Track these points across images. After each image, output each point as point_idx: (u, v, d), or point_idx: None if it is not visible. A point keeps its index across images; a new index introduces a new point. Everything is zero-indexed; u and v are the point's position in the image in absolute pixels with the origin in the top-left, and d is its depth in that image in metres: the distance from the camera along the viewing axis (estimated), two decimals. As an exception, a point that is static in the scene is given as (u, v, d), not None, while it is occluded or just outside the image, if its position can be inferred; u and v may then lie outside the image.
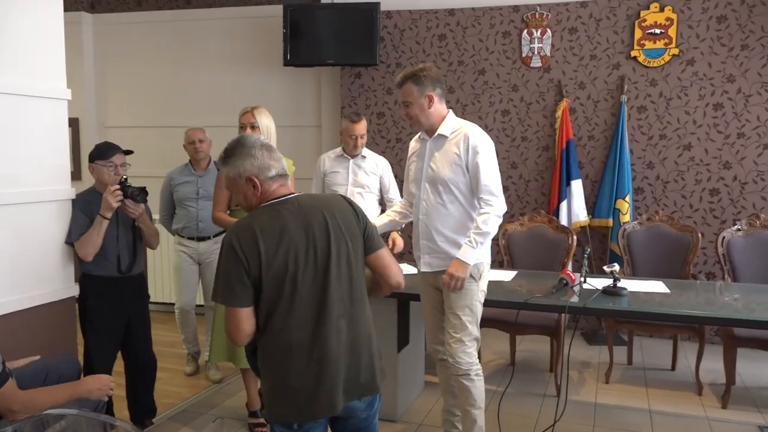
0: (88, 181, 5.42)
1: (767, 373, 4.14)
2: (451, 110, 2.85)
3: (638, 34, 4.78)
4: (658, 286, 3.40)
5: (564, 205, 4.85)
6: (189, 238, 4.02)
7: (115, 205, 2.89)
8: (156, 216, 3.84)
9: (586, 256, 3.33)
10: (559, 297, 3.11)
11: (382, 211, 4.09)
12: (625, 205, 4.73)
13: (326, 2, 5.29)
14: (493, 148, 2.79)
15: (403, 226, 3.78)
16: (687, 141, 4.76)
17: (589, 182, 4.98)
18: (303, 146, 5.52)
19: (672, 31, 4.71)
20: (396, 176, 4.16)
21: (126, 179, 2.98)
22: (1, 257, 2.64)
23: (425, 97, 2.74)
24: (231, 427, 3.36)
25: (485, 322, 2.94)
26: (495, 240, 3.44)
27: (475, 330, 2.78)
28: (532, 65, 5.03)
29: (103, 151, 3.04)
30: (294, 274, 1.80)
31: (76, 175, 5.65)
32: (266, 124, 3.22)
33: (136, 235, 3.13)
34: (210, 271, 4.03)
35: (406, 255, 4.56)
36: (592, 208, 4.93)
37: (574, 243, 4.12)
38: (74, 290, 3.01)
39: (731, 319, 3.04)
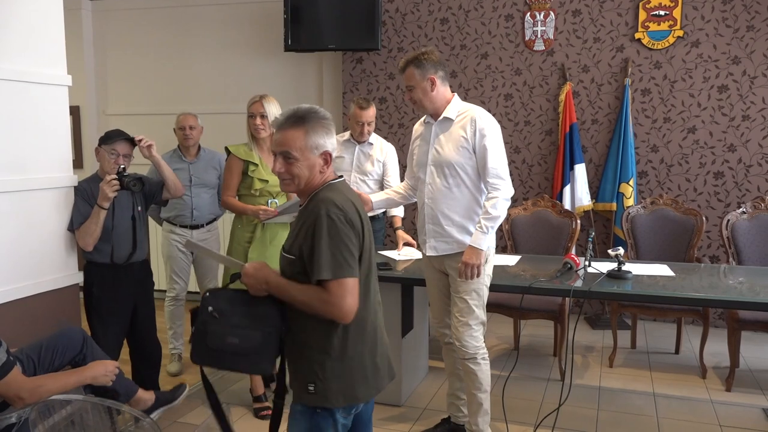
0: (89, 168, 5.44)
1: (771, 355, 4.15)
2: (456, 94, 2.83)
3: (642, 15, 4.74)
4: (662, 270, 3.39)
5: (567, 189, 4.83)
6: (182, 227, 3.91)
7: (112, 195, 2.89)
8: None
9: (590, 240, 3.31)
10: (563, 281, 3.10)
11: None
12: (628, 189, 4.71)
13: (327, -14, 5.24)
14: (500, 131, 2.77)
15: (400, 207, 3.74)
16: (691, 124, 4.73)
17: (592, 166, 4.96)
18: (305, 132, 5.50)
19: (677, 13, 4.66)
20: (399, 162, 4.14)
21: (124, 169, 2.97)
22: (4, 245, 2.64)
23: (427, 80, 2.71)
24: (236, 413, 3.37)
25: (489, 307, 2.93)
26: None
27: (481, 314, 2.78)
28: (535, 48, 4.99)
29: (108, 136, 3.06)
30: (369, 251, 1.84)
31: (77, 163, 5.66)
32: (274, 113, 3.20)
33: (138, 223, 3.13)
34: (204, 259, 3.99)
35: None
36: (595, 192, 4.91)
37: (578, 227, 4.11)
38: (78, 278, 3.01)
39: (736, 302, 3.05)
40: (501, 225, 4.21)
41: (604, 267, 3.25)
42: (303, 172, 1.80)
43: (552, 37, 4.95)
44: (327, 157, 1.82)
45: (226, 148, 3.28)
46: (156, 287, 3.47)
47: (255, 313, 1.78)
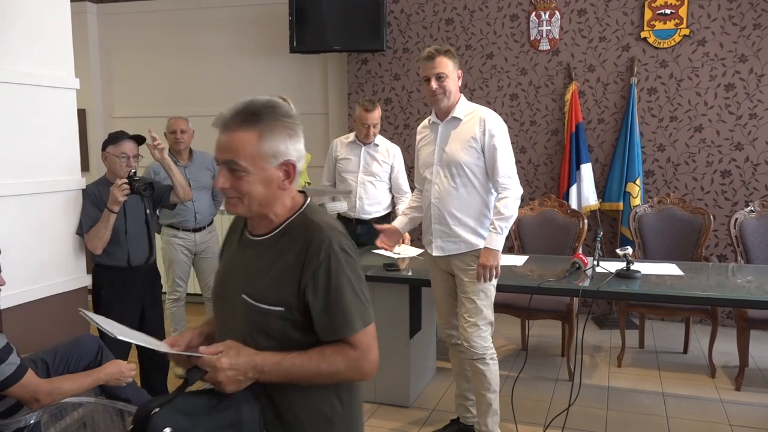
0: (95, 172, 5.45)
1: (780, 355, 4.13)
2: (461, 94, 2.83)
3: (648, 14, 4.72)
4: (671, 269, 3.38)
5: (574, 189, 4.82)
6: (184, 230, 3.91)
7: (122, 199, 2.90)
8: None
9: (598, 239, 3.31)
10: (572, 281, 3.09)
11: (392, 199, 4.07)
12: (635, 189, 4.70)
13: (332, -12, 5.25)
14: (507, 132, 2.77)
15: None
16: (698, 123, 4.71)
17: (599, 166, 4.95)
18: (311, 133, 5.49)
19: (683, 11, 4.65)
20: (404, 163, 4.14)
21: (135, 173, 2.98)
22: (12, 248, 2.64)
23: (457, 73, 2.74)
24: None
25: (496, 308, 2.92)
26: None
27: (489, 314, 2.78)
28: (540, 48, 4.98)
29: (114, 138, 3.06)
30: None
31: (83, 166, 5.65)
32: None
33: (150, 226, 3.14)
34: (207, 261, 4.00)
35: (414, 241, 4.53)
36: (602, 191, 4.89)
37: (585, 227, 4.10)
38: (86, 280, 3.01)
39: (745, 301, 3.03)
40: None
41: (613, 267, 3.24)
42: (255, 190, 1.35)
43: (557, 36, 4.94)
44: (289, 169, 1.38)
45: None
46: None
47: (230, 421, 1.32)
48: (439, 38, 5.18)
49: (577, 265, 3.20)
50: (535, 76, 5.02)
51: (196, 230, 3.93)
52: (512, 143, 2.84)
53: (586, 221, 4.13)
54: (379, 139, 3.99)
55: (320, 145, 5.57)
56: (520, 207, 4.29)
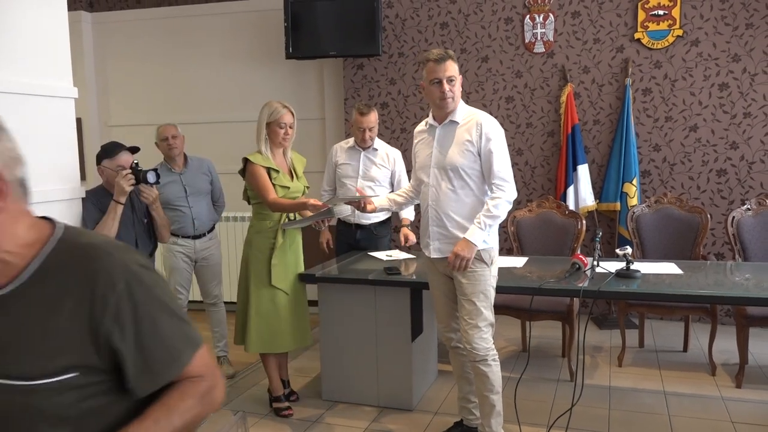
0: (92, 181, 5.43)
1: (780, 351, 4.15)
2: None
3: (641, 16, 4.76)
4: (670, 268, 3.40)
5: (571, 190, 4.84)
6: (184, 237, 3.91)
7: (128, 188, 2.89)
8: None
9: (597, 239, 3.32)
10: (572, 282, 3.10)
11: None
12: (632, 189, 4.72)
13: (326, -7, 5.27)
14: (504, 136, 2.79)
15: (410, 209, 3.84)
16: (693, 122, 4.74)
17: (595, 167, 4.97)
18: (307, 139, 5.50)
19: (675, 12, 4.69)
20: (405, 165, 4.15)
21: (137, 163, 2.98)
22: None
23: (461, 77, 2.78)
24: (253, 418, 3.38)
25: (496, 309, 2.93)
26: (504, 226, 3.44)
27: (490, 315, 2.79)
28: (535, 51, 5.01)
29: (109, 150, 3.05)
30: None
31: (80, 175, 5.66)
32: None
33: (152, 226, 3.15)
34: (208, 267, 4.02)
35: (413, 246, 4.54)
36: (599, 192, 4.92)
37: (584, 228, 4.12)
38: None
39: (744, 298, 3.04)
40: (507, 227, 4.23)
41: (612, 267, 3.26)
42: None
43: (552, 39, 4.97)
44: None
45: (245, 159, 3.27)
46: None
47: None
48: (435, 42, 5.20)
49: (577, 266, 3.22)
50: (531, 78, 5.05)
51: (196, 237, 3.93)
52: (509, 146, 2.86)
53: (584, 222, 4.15)
54: (379, 144, 3.99)
55: (317, 151, 5.58)
56: (518, 209, 4.36)
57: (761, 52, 4.56)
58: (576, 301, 3.68)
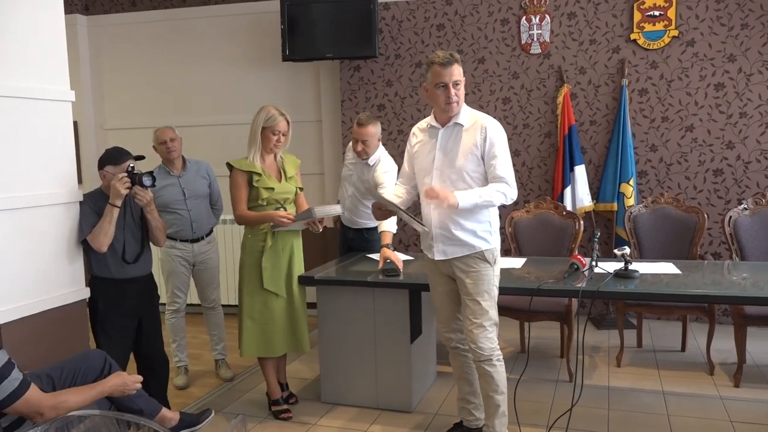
0: (88, 185, 5.42)
1: (777, 350, 4.16)
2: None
3: (637, 16, 4.77)
4: (668, 268, 3.41)
5: (568, 190, 4.85)
6: (182, 241, 3.90)
7: (124, 191, 2.88)
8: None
9: (595, 240, 3.33)
10: (570, 282, 3.11)
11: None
12: (629, 189, 4.73)
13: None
14: (506, 139, 2.79)
15: (392, 221, 3.60)
16: (689, 122, 4.76)
17: (592, 167, 4.98)
18: (304, 141, 5.50)
19: (671, 13, 4.70)
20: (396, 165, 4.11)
21: (133, 167, 2.97)
22: (10, 262, 2.63)
23: (464, 79, 2.77)
24: (252, 421, 3.37)
25: (496, 310, 2.93)
26: (501, 227, 3.43)
27: (494, 314, 2.78)
28: (531, 52, 5.02)
29: (115, 157, 3.03)
30: None
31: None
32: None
33: (144, 230, 3.14)
34: (206, 271, 4.01)
35: (411, 246, 4.55)
36: (596, 192, 4.93)
37: (581, 228, 4.12)
38: (85, 293, 3.00)
39: (742, 297, 3.05)
40: (504, 228, 4.23)
41: (610, 267, 3.26)
42: None
43: (548, 40, 4.98)
44: None
45: (228, 164, 3.28)
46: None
47: None
48: (431, 44, 5.20)
49: (576, 266, 3.22)
50: (527, 79, 5.06)
51: (194, 241, 3.92)
52: (506, 146, 2.85)
53: (582, 222, 4.16)
54: (376, 157, 3.77)
55: (313, 153, 5.58)
56: (516, 209, 4.36)
57: (756, 52, 4.58)
58: (574, 301, 3.68)
